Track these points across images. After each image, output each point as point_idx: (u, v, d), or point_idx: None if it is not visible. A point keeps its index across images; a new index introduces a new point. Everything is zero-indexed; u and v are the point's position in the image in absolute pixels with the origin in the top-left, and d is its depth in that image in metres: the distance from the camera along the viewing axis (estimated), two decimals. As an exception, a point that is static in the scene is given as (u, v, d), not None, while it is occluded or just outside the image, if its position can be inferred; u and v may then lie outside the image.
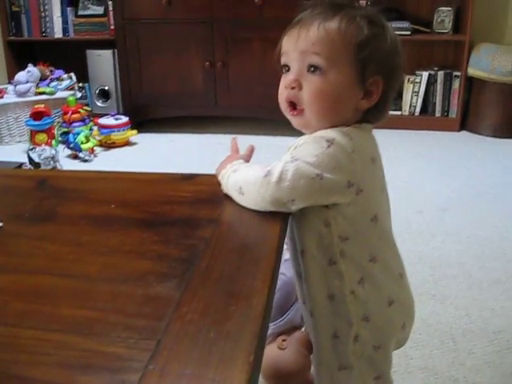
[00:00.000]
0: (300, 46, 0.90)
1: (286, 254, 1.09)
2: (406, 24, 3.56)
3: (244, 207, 0.88)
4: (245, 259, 0.74)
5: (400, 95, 3.68)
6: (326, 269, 0.93)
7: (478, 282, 1.90)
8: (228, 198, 0.92)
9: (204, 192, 0.97)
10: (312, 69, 0.90)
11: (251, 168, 0.91)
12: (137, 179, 1.07)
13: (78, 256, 0.78)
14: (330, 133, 0.88)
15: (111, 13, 3.63)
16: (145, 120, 3.67)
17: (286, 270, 1.16)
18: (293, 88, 0.91)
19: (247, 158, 1.03)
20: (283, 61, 0.94)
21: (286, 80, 0.93)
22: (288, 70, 0.93)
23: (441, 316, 1.72)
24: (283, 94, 0.94)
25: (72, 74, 3.72)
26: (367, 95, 0.92)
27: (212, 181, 1.03)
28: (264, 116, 3.36)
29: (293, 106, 0.93)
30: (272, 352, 1.25)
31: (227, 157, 1.03)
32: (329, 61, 0.88)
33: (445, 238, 2.21)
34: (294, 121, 0.95)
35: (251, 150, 1.07)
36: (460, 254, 2.09)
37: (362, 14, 0.91)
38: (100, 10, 3.84)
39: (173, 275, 0.71)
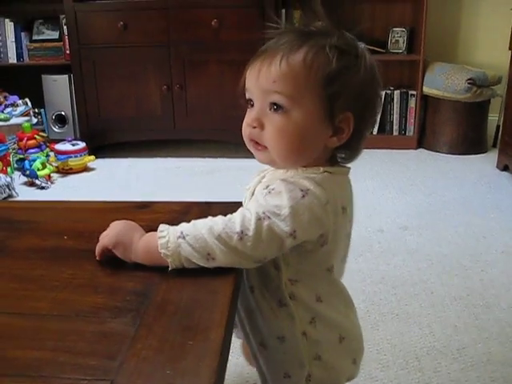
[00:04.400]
0: (261, 83, 0.84)
1: None
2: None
3: None
4: (201, 291, 0.72)
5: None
6: (276, 310, 0.90)
7: (440, 299, 1.91)
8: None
9: (160, 220, 0.93)
10: (274, 107, 0.84)
11: (207, 228, 0.79)
12: (91, 209, 1.04)
13: (28, 292, 0.75)
14: (303, 181, 0.82)
15: (66, 37, 3.57)
16: (102, 145, 3.61)
17: None
18: (254, 127, 0.86)
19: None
20: (248, 95, 0.88)
21: (247, 117, 0.88)
22: (252, 105, 0.88)
23: (405, 335, 1.71)
24: (246, 131, 0.88)
25: (27, 100, 3.66)
26: (337, 133, 0.86)
27: (169, 208, 1.01)
28: (223, 138, 3.36)
29: (256, 142, 0.88)
30: None
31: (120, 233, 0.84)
32: (292, 99, 0.83)
33: (406, 256, 2.22)
34: (259, 155, 0.89)
35: None
36: (421, 271, 2.10)
37: (333, 43, 0.84)
38: (55, 34, 3.79)
39: (127, 309, 0.68)
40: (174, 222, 0.89)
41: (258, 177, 0.97)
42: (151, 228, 0.90)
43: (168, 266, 0.78)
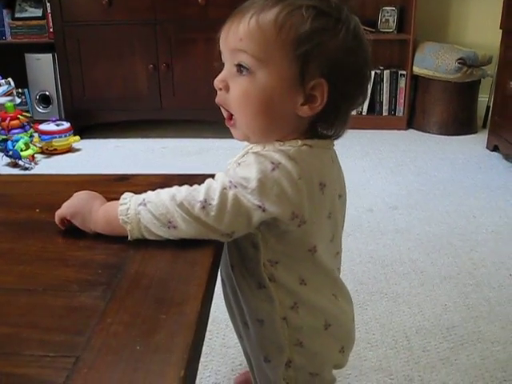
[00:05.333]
0: (228, 42, 0.79)
1: None
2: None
3: None
4: (178, 262, 0.67)
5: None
6: (255, 291, 0.85)
7: (430, 278, 1.89)
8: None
9: (139, 193, 0.89)
10: (240, 68, 0.78)
11: (170, 196, 0.74)
12: (66, 182, 0.99)
13: (-7, 266, 0.70)
14: (274, 154, 0.77)
15: (50, 15, 3.48)
16: (88, 125, 3.55)
17: None
18: (220, 90, 0.81)
19: None
20: (223, 60, 0.83)
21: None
22: None
23: (394, 314, 1.68)
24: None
25: (10, 79, 3.57)
26: (309, 101, 0.78)
27: (148, 180, 0.97)
28: (210, 118, 3.28)
29: (229, 114, 0.82)
30: None
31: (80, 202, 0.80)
32: (258, 60, 0.76)
33: (395, 235, 2.19)
34: (233, 132, 0.84)
35: None
36: (411, 251, 2.07)
37: (312, 3, 0.76)
38: (38, 12, 3.69)
39: (98, 283, 0.64)
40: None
41: (243, 151, 0.92)
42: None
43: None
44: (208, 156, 3.15)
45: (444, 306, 1.73)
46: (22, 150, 3.05)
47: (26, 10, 3.73)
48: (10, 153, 3.04)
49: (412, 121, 3.70)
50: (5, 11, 3.69)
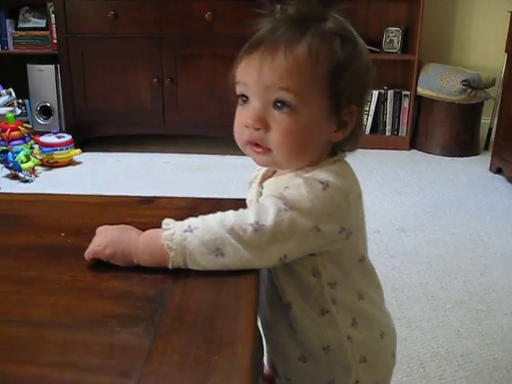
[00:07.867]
0: (264, 79, 0.76)
1: None
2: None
3: None
4: (222, 296, 0.64)
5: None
6: (318, 319, 0.83)
7: (442, 303, 1.86)
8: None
9: (166, 217, 0.86)
10: (279, 104, 0.76)
11: (218, 221, 0.72)
12: (89, 203, 0.95)
13: (22, 296, 0.66)
14: (321, 173, 0.77)
15: (54, 26, 3.46)
16: (89, 138, 3.51)
17: None
18: (258, 129, 0.78)
19: None
20: (240, 90, 0.79)
21: (245, 118, 0.78)
22: (246, 101, 0.79)
23: (407, 340, 1.65)
24: (243, 134, 0.79)
25: (11, 90, 3.52)
26: (341, 127, 0.80)
27: (174, 204, 0.93)
28: (213, 134, 3.28)
29: (265, 149, 0.79)
30: None
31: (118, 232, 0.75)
32: (300, 96, 0.76)
33: (404, 258, 2.16)
34: (260, 158, 0.81)
35: None
36: (421, 274, 2.05)
37: (332, 29, 0.78)
38: (42, 22, 3.66)
39: (139, 318, 0.60)
40: (180, 219, 0.81)
41: (254, 189, 0.90)
42: (155, 226, 0.81)
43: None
44: (211, 172, 3.12)
45: (457, 332, 1.70)
46: (22, 162, 3.01)
47: (30, 21, 3.70)
48: (11, 165, 2.99)
49: (415, 141, 3.69)
50: (8, 21, 3.65)
